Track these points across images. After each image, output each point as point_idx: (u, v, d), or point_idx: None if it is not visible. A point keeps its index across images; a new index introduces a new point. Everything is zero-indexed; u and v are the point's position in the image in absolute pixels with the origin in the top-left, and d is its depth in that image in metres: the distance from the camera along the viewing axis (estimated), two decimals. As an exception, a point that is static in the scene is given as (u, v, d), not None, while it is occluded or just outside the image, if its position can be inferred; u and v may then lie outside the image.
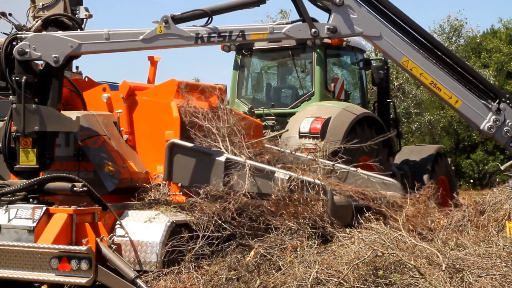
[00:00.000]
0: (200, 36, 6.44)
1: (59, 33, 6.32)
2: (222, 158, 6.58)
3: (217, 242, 5.98)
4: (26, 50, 6.16)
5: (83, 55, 6.50)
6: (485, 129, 7.23)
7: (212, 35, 6.46)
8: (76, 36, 6.31)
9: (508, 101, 7.28)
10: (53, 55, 6.20)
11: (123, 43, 6.40)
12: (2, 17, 6.62)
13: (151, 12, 66.60)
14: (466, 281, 5.00)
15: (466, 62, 25.66)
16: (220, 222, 6.04)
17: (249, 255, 5.79)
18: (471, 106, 7.22)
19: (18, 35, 6.25)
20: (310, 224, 6.03)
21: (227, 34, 6.51)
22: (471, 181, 25.57)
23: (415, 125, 25.85)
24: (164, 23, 6.35)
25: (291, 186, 6.10)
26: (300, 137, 9.66)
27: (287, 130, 8.45)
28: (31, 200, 5.99)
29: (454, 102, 7.15)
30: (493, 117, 7.21)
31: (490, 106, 7.24)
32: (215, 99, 7.50)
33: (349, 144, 8.83)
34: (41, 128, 6.16)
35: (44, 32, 6.35)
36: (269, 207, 6.15)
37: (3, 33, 6.62)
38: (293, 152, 8.17)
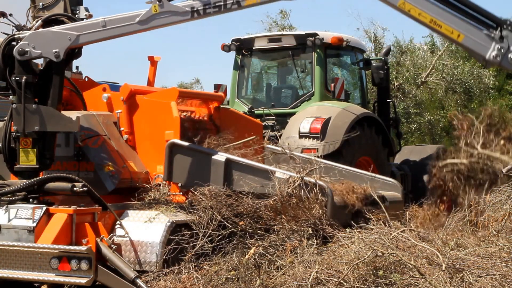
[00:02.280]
0: (195, 9, 6.38)
1: (56, 28, 6.31)
2: (222, 158, 6.59)
3: (217, 240, 5.98)
4: (26, 49, 6.16)
5: (83, 46, 6.45)
6: (491, 58, 6.96)
7: (207, 6, 6.39)
8: (73, 28, 6.30)
9: (510, 28, 7.05)
10: (53, 50, 6.19)
11: (120, 28, 6.36)
12: (2, 18, 6.63)
13: (151, 12, 66.45)
14: (466, 281, 5.00)
15: (466, 62, 25.75)
16: (220, 218, 6.04)
17: (248, 253, 5.79)
18: (473, 37, 6.98)
19: (16, 36, 6.25)
20: (310, 226, 6.02)
21: (222, 3, 6.42)
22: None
23: (415, 125, 25.86)
24: (157, 2, 6.31)
25: (289, 189, 6.09)
26: (300, 137, 9.68)
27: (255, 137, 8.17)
28: (31, 200, 5.99)
29: (457, 36, 6.93)
30: (497, 45, 6.96)
31: (492, 35, 7.02)
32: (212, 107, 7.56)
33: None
34: (41, 128, 6.16)
35: (40, 29, 6.35)
36: (267, 212, 6.15)
37: (4, 33, 6.63)
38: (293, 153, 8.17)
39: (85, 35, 6.28)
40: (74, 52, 6.48)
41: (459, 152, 6.01)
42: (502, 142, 5.91)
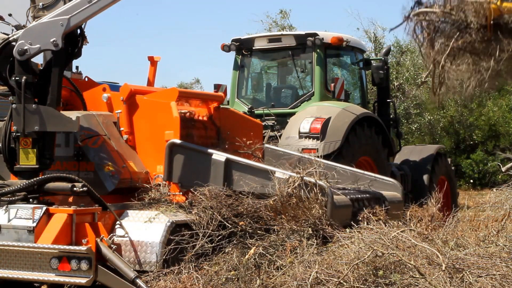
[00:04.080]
0: None
1: (45, 18, 6.30)
2: (222, 158, 6.59)
3: (217, 240, 5.98)
4: (25, 48, 6.15)
5: (77, 28, 6.37)
6: None
7: None
8: (62, 13, 6.25)
9: None
10: (51, 40, 6.17)
11: None
12: (0, 20, 6.64)
13: (151, 12, 66.69)
14: (466, 281, 5.01)
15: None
16: (220, 218, 6.04)
17: (248, 253, 5.79)
18: None
19: (10, 38, 6.24)
20: (310, 226, 6.02)
21: None
22: (471, 181, 25.58)
23: (416, 126, 25.87)
24: None
25: (289, 189, 6.09)
26: (300, 137, 9.68)
27: None
28: (31, 200, 5.98)
29: None
30: None
31: None
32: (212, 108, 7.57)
33: None
34: (41, 128, 6.16)
35: (31, 24, 6.34)
36: (267, 212, 6.15)
37: (4, 33, 6.63)
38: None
39: (76, 16, 6.24)
40: (73, 43, 6.43)
41: (432, 4, 5.95)
42: None
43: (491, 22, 5.65)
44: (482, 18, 5.67)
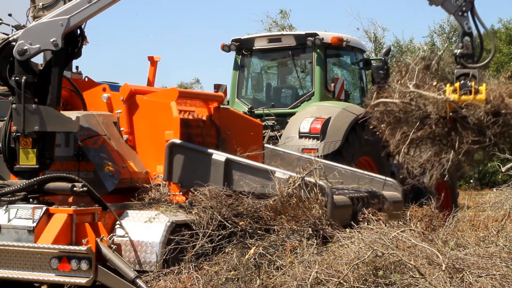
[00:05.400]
0: None
1: (45, 18, 6.30)
2: (222, 158, 6.59)
3: (217, 240, 5.98)
4: (25, 48, 6.15)
5: (77, 28, 6.38)
6: None
7: None
8: (62, 13, 6.25)
9: None
10: (51, 40, 6.17)
11: None
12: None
13: (151, 12, 66.73)
14: (466, 281, 5.01)
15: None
16: (220, 218, 6.04)
17: (248, 253, 5.80)
18: None
19: (10, 39, 6.24)
20: (310, 226, 6.03)
21: None
22: (471, 181, 25.58)
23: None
24: None
25: (289, 189, 6.09)
26: (300, 137, 9.69)
27: None
28: (31, 200, 5.99)
29: None
30: None
31: None
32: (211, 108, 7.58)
33: None
34: (41, 128, 6.16)
35: (31, 24, 6.35)
36: (267, 212, 6.15)
37: (4, 33, 6.63)
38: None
39: (76, 16, 6.24)
40: (73, 43, 6.43)
41: (393, 93, 5.98)
42: (435, 83, 5.89)
43: (450, 114, 5.71)
44: (441, 110, 5.73)
